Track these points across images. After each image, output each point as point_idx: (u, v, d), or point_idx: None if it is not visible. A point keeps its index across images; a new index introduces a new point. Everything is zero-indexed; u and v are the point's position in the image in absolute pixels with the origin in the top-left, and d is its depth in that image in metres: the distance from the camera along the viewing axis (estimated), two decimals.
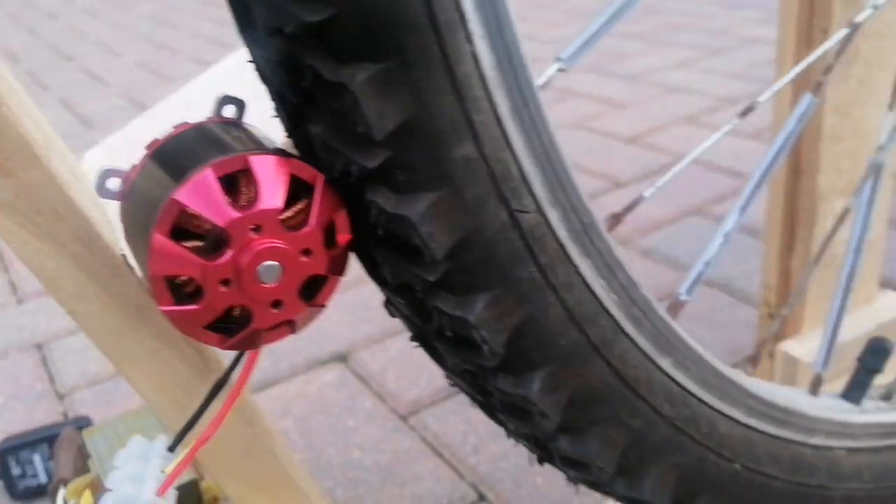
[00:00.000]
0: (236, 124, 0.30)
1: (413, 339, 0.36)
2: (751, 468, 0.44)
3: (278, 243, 0.27)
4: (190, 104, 0.45)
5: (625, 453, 0.38)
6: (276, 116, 0.30)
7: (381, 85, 0.26)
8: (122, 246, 0.35)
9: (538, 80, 0.32)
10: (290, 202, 0.27)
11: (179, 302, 0.27)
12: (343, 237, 0.29)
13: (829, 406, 0.51)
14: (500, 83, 0.29)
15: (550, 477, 0.85)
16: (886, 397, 0.55)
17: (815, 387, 0.52)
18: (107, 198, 0.31)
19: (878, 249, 0.75)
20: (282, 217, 0.27)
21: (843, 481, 0.49)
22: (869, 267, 0.75)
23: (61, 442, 0.85)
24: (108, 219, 0.36)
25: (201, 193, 0.26)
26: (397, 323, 0.44)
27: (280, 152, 0.28)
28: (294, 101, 0.28)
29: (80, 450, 0.84)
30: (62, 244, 0.34)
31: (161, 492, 0.35)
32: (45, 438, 0.88)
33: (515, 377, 0.34)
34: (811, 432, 0.48)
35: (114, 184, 0.30)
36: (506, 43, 0.29)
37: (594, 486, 0.41)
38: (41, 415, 1.03)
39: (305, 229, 0.27)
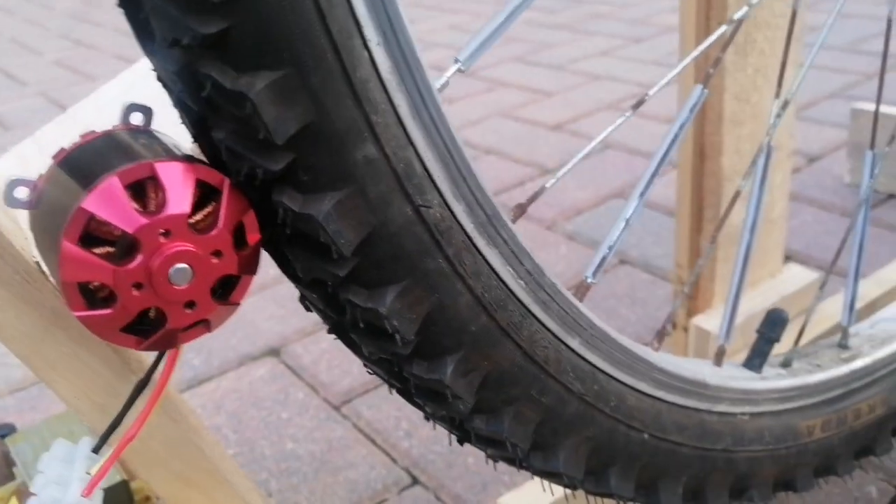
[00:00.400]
0: (144, 131, 0.31)
1: (330, 331, 0.37)
2: (659, 437, 0.47)
3: (188, 247, 0.28)
4: (102, 110, 0.45)
5: (538, 430, 0.40)
6: (181, 123, 0.31)
7: (279, 92, 0.27)
8: (35, 253, 0.35)
9: (437, 82, 0.34)
10: (198, 206, 0.28)
11: (93, 307, 0.28)
12: (252, 237, 0.30)
13: (732, 375, 0.54)
14: (398, 85, 0.31)
15: (481, 456, 0.87)
16: (785, 364, 0.59)
17: (719, 358, 0.55)
18: (14, 207, 0.31)
19: (781, 226, 0.79)
20: (190, 221, 0.28)
21: (746, 444, 0.52)
22: (772, 242, 0.79)
23: None
24: (20, 226, 0.36)
25: (108, 201, 0.27)
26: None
27: (187, 158, 0.28)
28: (196, 109, 0.28)
29: (6, 457, 0.84)
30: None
31: (87, 493, 0.36)
32: None
33: (429, 363, 0.36)
34: (716, 401, 0.51)
35: (21, 193, 0.31)
36: (401, 47, 0.30)
37: (511, 462, 0.43)
38: None
39: (214, 232, 0.28)
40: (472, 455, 0.88)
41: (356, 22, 0.28)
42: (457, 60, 0.36)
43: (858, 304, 0.76)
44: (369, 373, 0.39)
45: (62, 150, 0.31)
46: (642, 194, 0.46)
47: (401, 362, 0.35)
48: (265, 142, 0.28)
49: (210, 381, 1.03)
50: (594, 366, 0.43)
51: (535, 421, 0.40)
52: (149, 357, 0.38)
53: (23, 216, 0.33)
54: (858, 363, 0.61)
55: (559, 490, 0.64)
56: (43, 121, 0.47)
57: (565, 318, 0.41)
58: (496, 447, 0.41)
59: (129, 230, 0.27)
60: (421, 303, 0.34)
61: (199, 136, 0.30)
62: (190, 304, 0.29)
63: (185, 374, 1.05)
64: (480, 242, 0.36)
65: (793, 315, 0.78)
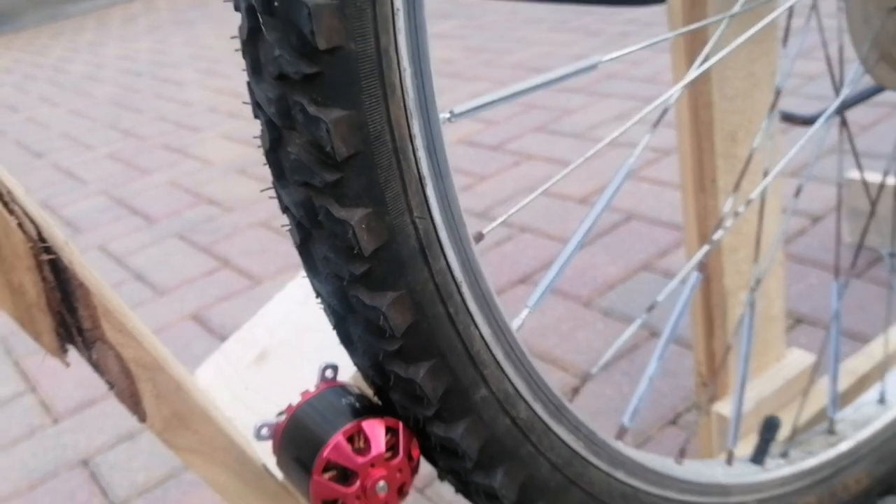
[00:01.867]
0: (342, 387, 0.49)
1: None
2: None
3: (384, 472, 0.45)
4: (272, 329, 0.64)
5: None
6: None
7: (434, 374, 0.45)
8: (265, 461, 0.53)
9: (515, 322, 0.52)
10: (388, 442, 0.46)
11: None
12: (416, 454, 0.47)
13: (740, 472, 0.71)
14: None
15: None
16: (783, 455, 0.75)
17: (729, 459, 0.72)
18: (261, 440, 0.49)
19: (780, 320, 0.96)
20: (386, 455, 0.46)
21: None
22: (773, 335, 0.96)
23: None
24: (248, 440, 0.54)
25: (339, 451, 0.44)
26: None
27: (378, 410, 0.46)
28: (382, 385, 0.47)
29: None
30: (225, 464, 0.52)
31: None
32: None
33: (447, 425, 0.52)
34: (729, 494, 0.68)
35: (266, 432, 0.49)
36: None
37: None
38: None
39: (397, 460, 0.46)
40: None
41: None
42: (450, 111, 0.52)
43: (850, 380, 0.93)
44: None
45: (290, 406, 0.49)
46: (661, 357, 0.64)
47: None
48: (427, 405, 0.46)
49: None
50: (636, 488, 0.60)
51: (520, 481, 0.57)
52: None
53: (265, 446, 0.51)
54: (844, 446, 0.78)
55: None
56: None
57: (612, 457, 0.58)
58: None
59: (353, 468, 0.45)
60: (519, 475, 0.51)
61: (380, 394, 0.48)
62: (387, 502, 0.47)
63: None
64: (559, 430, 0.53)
65: (796, 393, 0.96)
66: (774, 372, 0.97)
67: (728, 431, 0.93)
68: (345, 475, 0.45)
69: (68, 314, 0.46)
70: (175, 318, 1.73)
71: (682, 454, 0.67)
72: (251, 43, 0.41)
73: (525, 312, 0.53)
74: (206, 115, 3.25)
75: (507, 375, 0.49)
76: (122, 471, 1.30)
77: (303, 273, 0.68)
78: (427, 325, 0.44)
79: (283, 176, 0.43)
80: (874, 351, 1.03)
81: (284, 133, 0.42)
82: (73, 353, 0.48)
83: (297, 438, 0.47)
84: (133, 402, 0.48)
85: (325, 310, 0.47)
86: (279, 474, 0.53)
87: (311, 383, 0.51)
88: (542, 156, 2.21)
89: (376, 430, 0.46)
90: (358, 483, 0.45)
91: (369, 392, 0.49)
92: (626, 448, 0.60)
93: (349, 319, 0.45)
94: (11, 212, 0.44)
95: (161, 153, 2.87)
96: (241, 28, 0.42)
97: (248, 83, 0.43)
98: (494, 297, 0.48)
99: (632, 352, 1.33)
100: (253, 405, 0.58)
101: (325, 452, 0.45)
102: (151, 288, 1.89)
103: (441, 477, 0.53)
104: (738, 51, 0.80)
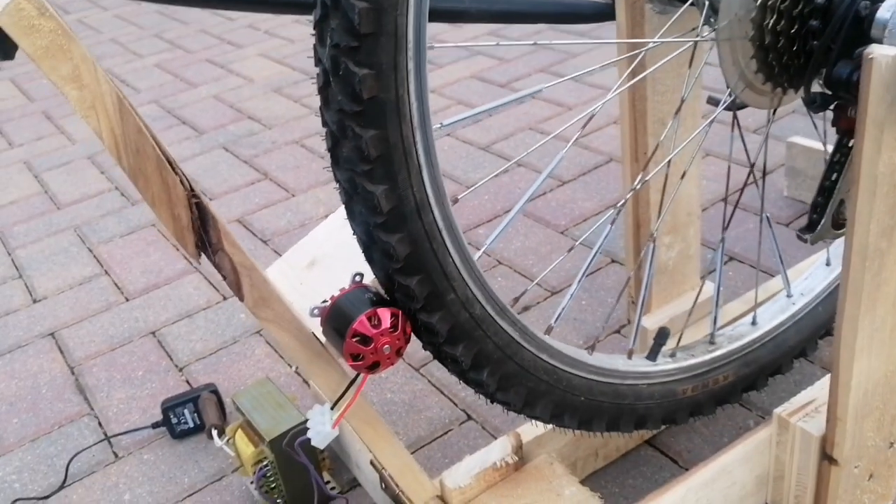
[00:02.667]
0: (365, 287, 0.80)
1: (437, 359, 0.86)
2: (591, 399, 0.95)
3: (389, 339, 0.76)
4: (322, 242, 0.94)
5: (527, 396, 0.89)
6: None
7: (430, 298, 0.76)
8: (315, 332, 0.85)
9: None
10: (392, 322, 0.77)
11: (356, 362, 0.77)
12: (409, 331, 0.78)
13: (636, 364, 1.02)
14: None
15: None
16: (671, 356, 1.06)
17: (630, 355, 1.03)
18: (313, 317, 0.80)
19: (694, 261, 1.26)
20: (390, 330, 0.76)
21: (643, 400, 1.01)
22: (690, 269, 1.27)
23: (204, 401, 1.37)
24: (302, 317, 0.85)
25: (362, 326, 0.75)
26: None
27: (386, 303, 0.77)
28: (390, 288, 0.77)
29: (217, 405, 1.36)
30: (289, 331, 0.84)
31: (334, 426, 0.86)
32: (191, 399, 1.39)
33: (472, 371, 0.84)
34: (625, 377, 0.99)
35: (316, 312, 0.80)
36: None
37: (504, 406, 0.92)
38: (171, 382, 1.54)
39: (398, 332, 0.77)
40: None
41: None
42: (441, 124, 0.84)
43: (743, 307, 1.23)
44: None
45: (332, 296, 0.80)
46: (584, 271, 0.94)
47: (464, 371, 0.84)
48: (416, 301, 0.77)
49: None
50: (555, 367, 0.91)
51: (524, 395, 0.89)
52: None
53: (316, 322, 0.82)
54: (719, 352, 1.08)
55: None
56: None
57: (539, 344, 0.89)
58: (506, 405, 0.89)
59: (370, 336, 0.76)
60: (472, 349, 0.82)
61: (388, 291, 0.79)
62: (389, 358, 0.78)
63: None
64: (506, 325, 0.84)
65: (704, 315, 1.26)
66: (688, 297, 1.28)
67: (648, 336, 1.24)
68: (364, 340, 0.76)
69: (204, 234, 0.77)
70: (224, 218, 2.04)
71: (592, 347, 0.98)
72: None
73: (480, 252, 0.84)
74: (246, 31, 3.50)
75: (468, 286, 0.80)
76: (184, 341, 1.64)
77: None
78: (419, 254, 0.75)
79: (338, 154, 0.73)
80: (769, 286, 1.33)
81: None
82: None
83: (336, 317, 0.78)
84: (237, 288, 0.79)
85: (358, 241, 0.77)
86: (322, 339, 0.84)
87: (345, 284, 0.82)
88: (545, 97, 2.47)
89: (385, 314, 0.77)
90: (373, 345, 0.76)
91: (381, 291, 0.80)
92: (551, 340, 0.91)
93: (373, 248, 0.75)
94: (176, 173, 0.74)
95: (205, 67, 3.14)
96: None
97: None
98: (462, 239, 0.78)
99: (593, 274, 1.63)
100: (306, 295, 0.89)
101: (354, 325, 0.76)
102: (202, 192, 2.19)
103: (424, 347, 0.84)
104: (668, 61, 1.08)
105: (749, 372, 1.11)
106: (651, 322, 1.25)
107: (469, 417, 1.36)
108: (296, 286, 0.91)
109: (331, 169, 0.76)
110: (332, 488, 1.25)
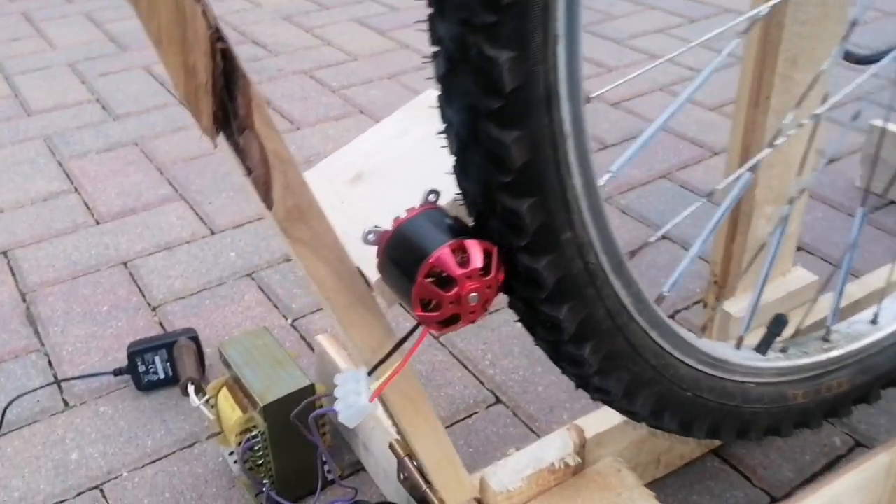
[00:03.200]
0: (442, 211, 0.57)
1: (519, 320, 0.63)
2: (697, 395, 0.73)
3: (478, 284, 0.53)
4: (364, 153, 0.71)
5: (628, 386, 0.67)
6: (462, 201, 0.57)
7: (534, 209, 0.53)
8: (361, 266, 0.62)
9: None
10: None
11: (426, 311, 0.54)
12: (501, 278, 0.55)
13: (746, 356, 0.80)
14: (583, 196, 0.56)
15: (549, 387, 1.15)
16: (783, 350, 0.85)
17: (739, 343, 0.81)
18: (369, 244, 0.57)
19: (794, 238, 1.04)
20: (481, 272, 0.53)
21: (751, 403, 0.79)
22: (787, 250, 1.05)
23: (180, 349, 1.13)
24: (349, 245, 0.62)
25: (444, 259, 0.52)
26: None
27: (475, 234, 0.54)
28: (485, 213, 0.54)
29: (196, 356, 1.12)
30: (328, 262, 0.60)
31: (371, 400, 0.63)
32: (164, 345, 1.15)
33: (577, 344, 0.62)
34: (734, 371, 0.77)
35: (372, 237, 0.57)
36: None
37: (610, 404, 0.69)
38: (141, 322, 1.29)
39: (489, 277, 0.54)
40: (542, 385, 1.15)
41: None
42: (609, 171, 0.61)
43: (844, 303, 1.01)
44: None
45: (397, 218, 0.57)
46: (705, 240, 0.72)
47: (560, 343, 0.62)
48: (522, 235, 0.54)
49: None
50: (664, 349, 0.69)
51: (626, 380, 0.67)
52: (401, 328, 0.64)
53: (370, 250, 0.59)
54: (835, 353, 0.87)
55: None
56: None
57: (651, 318, 0.67)
58: (603, 394, 0.67)
59: (454, 275, 0.53)
60: (580, 312, 0.60)
61: (479, 219, 0.55)
62: (472, 312, 0.55)
63: (315, 300, 1.33)
64: (614, 279, 0.61)
65: (796, 306, 1.04)
66: (779, 283, 1.06)
67: (737, 324, 1.02)
68: (444, 282, 0.53)
69: (228, 99, 0.53)
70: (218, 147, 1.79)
71: (703, 329, 0.76)
72: None
73: (608, 176, 0.61)
74: None
75: (587, 225, 0.57)
76: (161, 276, 1.39)
77: (397, 111, 0.75)
78: (538, 165, 0.51)
79: (443, 10, 0.49)
80: (870, 281, 1.11)
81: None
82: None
83: (402, 246, 0.55)
84: (265, 189, 0.55)
85: (449, 138, 0.54)
86: (372, 276, 0.61)
87: (402, 206, 0.59)
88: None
89: (476, 249, 0.53)
90: (455, 290, 0.53)
91: (464, 220, 0.57)
92: (661, 313, 0.68)
93: (472, 149, 0.52)
94: (198, 0, 0.50)
95: None
96: None
97: None
98: (591, 155, 0.55)
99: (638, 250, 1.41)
100: (350, 215, 0.65)
101: (432, 259, 0.52)
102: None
103: (511, 305, 0.61)
104: None
105: (865, 381, 0.90)
106: (735, 308, 1.03)
107: (498, 400, 1.14)
108: (335, 204, 0.68)
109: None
110: (329, 471, 1.02)
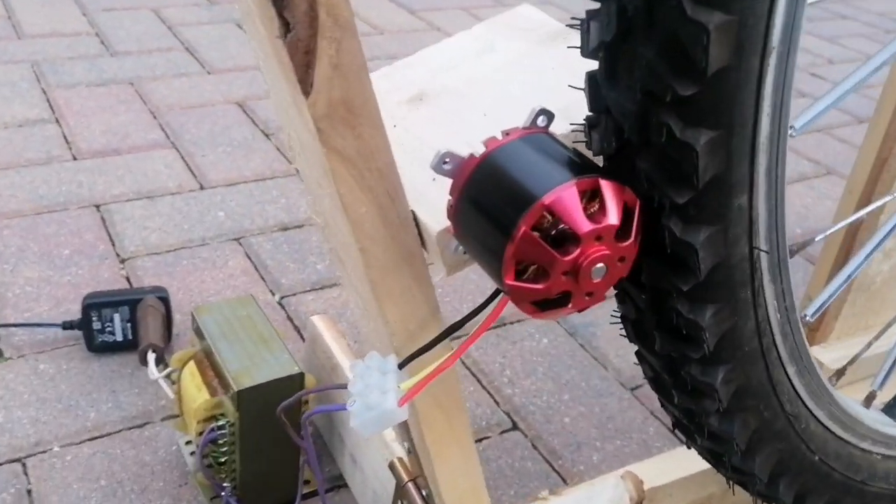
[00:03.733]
0: (555, 138, 0.38)
1: (622, 320, 0.44)
2: (823, 460, 0.55)
3: (608, 251, 0.35)
4: (430, 69, 0.52)
5: (753, 435, 0.48)
6: (587, 136, 0.38)
7: (713, 147, 0.34)
8: (413, 206, 0.42)
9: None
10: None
11: (521, 279, 0.35)
12: (636, 250, 0.37)
13: (876, 418, 0.62)
14: (767, 149, 0.37)
15: (577, 419, 0.96)
16: None
17: (869, 401, 0.62)
18: (441, 174, 0.38)
19: None
20: (618, 233, 0.35)
21: (877, 480, 0.60)
22: (893, 296, 0.86)
23: (145, 309, 0.93)
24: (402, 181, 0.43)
25: (566, 203, 0.33)
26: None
27: (610, 176, 0.35)
28: (631, 139, 0.35)
29: (164, 320, 0.93)
30: (375, 196, 0.41)
31: (402, 403, 0.44)
32: (127, 301, 0.95)
33: (705, 368, 0.43)
34: (863, 438, 0.59)
35: (449, 165, 0.38)
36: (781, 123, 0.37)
37: (717, 457, 0.51)
38: (105, 274, 1.09)
39: (626, 243, 0.35)
40: (569, 415, 0.96)
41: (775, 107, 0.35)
42: (791, 126, 0.42)
43: None
44: (636, 361, 0.47)
45: (493, 139, 0.38)
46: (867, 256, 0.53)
47: (684, 362, 0.43)
48: (683, 181, 0.35)
49: (332, 288, 1.12)
50: (797, 391, 0.50)
51: (753, 428, 0.48)
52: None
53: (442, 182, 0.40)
54: None
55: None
56: None
57: (793, 348, 0.48)
58: (717, 442, 0.48)
59: (579, 231, 0.34)
60: (725, 321, 0.41)
61: (618, 157, 0.37)
62: (590, 294, 0.36)
63: (310, 276, 1.13)
64: (766, 279, 0.43)
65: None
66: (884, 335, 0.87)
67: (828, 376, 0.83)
68: (557, 240, 0.35)
69: None
70: (220, 99, 1.60)
71: (839, 374, 0.57)
72: None
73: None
74: None
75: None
76: (136, 227, 1.19)
77: (478, 26, 0.56)
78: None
79: (616, 74, 0.32)
80: None
81: (637, 27, 0.31)
82: None
83: (497, 180, 0.36)
84: (304, 63, 0.36)
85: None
86: (433, 225, 0.42)
87: (478, 137, 0.40)
88: None
89: (614, 197, 0.35)
90: (576, 252, 0.34)
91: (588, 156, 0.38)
92: (805, 339, 0.50)
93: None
94: None
95: None
96: None
97: None
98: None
99: None
100: (403, 143, 0.46)
101: (549, 199, 0.33)
102: (200, 63, 1.75)
103: (620, 297, 0.42)
104: None
105: None
106: (828, 356, 0.84)
107: (515, 426, 0.94)
108: (389, 126, 0.48)
109: None
110: (307, 481, 0.83)
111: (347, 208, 0.40)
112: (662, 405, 0.49)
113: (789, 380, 0.49)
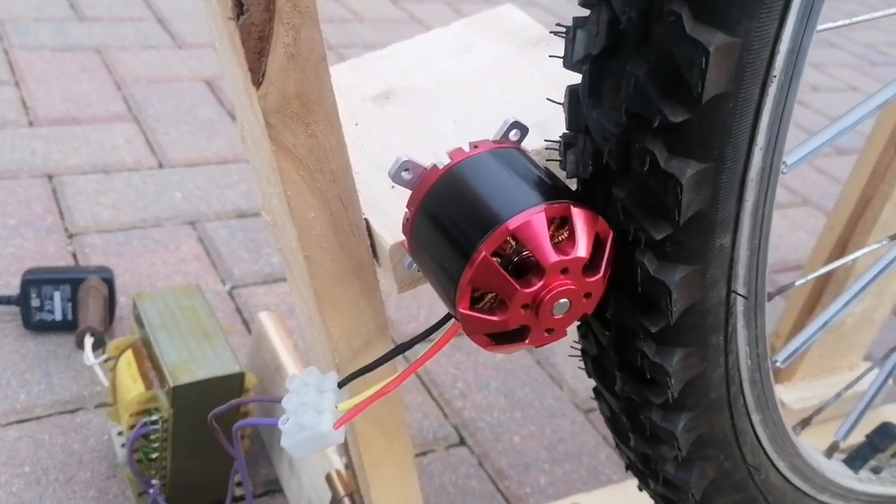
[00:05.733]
0: (526, 155, 0.34)
1: (583, 354, 0.41)
2: None
3: (573, 286, 0.31)
4: (400, 67, 0.48)
5: (710, 485, 0.45)
6: (562, 155, 0.35)
7: (699, 180, 0.31)
8: (367, 214, 0.39)
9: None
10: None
11: (476, 309, 0.32)
12: (601, 290, 0.34)
13: (837, 470, 0.59)
14: (757, 185, 0.34)
15: (527, 438, 0.93)
16: (876, 471, 0.64)
17: (831, 451, 0.60)
18: (399, 184, 0.34)
19: (875, 327, 0.84)
20: (585, 267, 0.32)
21: None
22: (860, 339, 0.84)
23: (88, 289, 0.88)
24: (357, 187, 0.39)
25: (533, 230, 0.30)
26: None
27: (583, 203, 0.32)
28: (610, 164, 0.32)
29: (106, 303, 0.88)
30: (326, 201, 0.38)
31: (338, 426, 0.40)
32: (69, 280, 0.90)
33: (666, 413, 0.40)
34: (822, 490, 0.56)
35: (409, 175, 0.34)
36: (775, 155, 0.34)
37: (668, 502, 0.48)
38: (51, 249, 1.04)
39: (595, 278, 0.32)
40: (520, 434, 0.93)
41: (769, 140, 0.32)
42: (784, 163, 0.39)
43: None
44: (593, 397, 0.43)
45: (460, 150, 0.34)
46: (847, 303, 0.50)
47: (644, 406, 0.40)
48: (662, 214, 0.32)
49: (285, 283, 1.08)
50: (760, 441, 0.48)
51: (711, 478, 0.45)
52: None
53: (399, 193, 0.36)
54: None
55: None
56: None
57: (760, 395, 0.45)
58: (672, 489, 0.45)
59: (544, 262, 0.30)
60: (693, 367, 0.38)
61: (593, 182, 0.33)
62: (550, 331, 0.33)
63: (263, 269, 1.09)
64: (740, 325, 0.40)
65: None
66: (843, 378, 0.86)
67: (792, 418, 0.81)
68: (518, 269, 0.31)
69: None
70: (188, 75, 1.55)
71: (803, 424, 0.55)
72: None
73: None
74: None
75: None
76: (88, 201, 1.14)
77: (457, 23, 0.53)
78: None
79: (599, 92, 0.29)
80: None
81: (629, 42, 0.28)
82: None
83: (459, 195, 0.33)
84: (257, 49, 0.32)
85: None
86: (386, 237, 0.38)
87: (444, 146, 0.37)
88: None
89: (585, 225, 0.31)
90: (540, 284, 0.31)
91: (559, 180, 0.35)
92: (774, 387, 0.47)
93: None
94: None
95: None
96: None
97: None
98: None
99: None
100: (363, 145, 0.43)
101: (514, 224, 0.30)
102: (171, 36, 1.69)
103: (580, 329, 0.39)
104: None
105: None
106: (790, 396, 0.82)
107: (462, 441, 0.91)
108: (350, 124, 0.45)
109: None
110: (238, 484, 0.79)
111: (294, 211, 0.37)
112: (617, 445, 0.46)
113: (753, 429, 0.46)
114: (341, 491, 0.64)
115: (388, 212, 0.39)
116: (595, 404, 0.98)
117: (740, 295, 0.36)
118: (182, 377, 0.68)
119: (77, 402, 0.85)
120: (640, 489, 0.50)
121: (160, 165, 1.26)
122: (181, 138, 1.34)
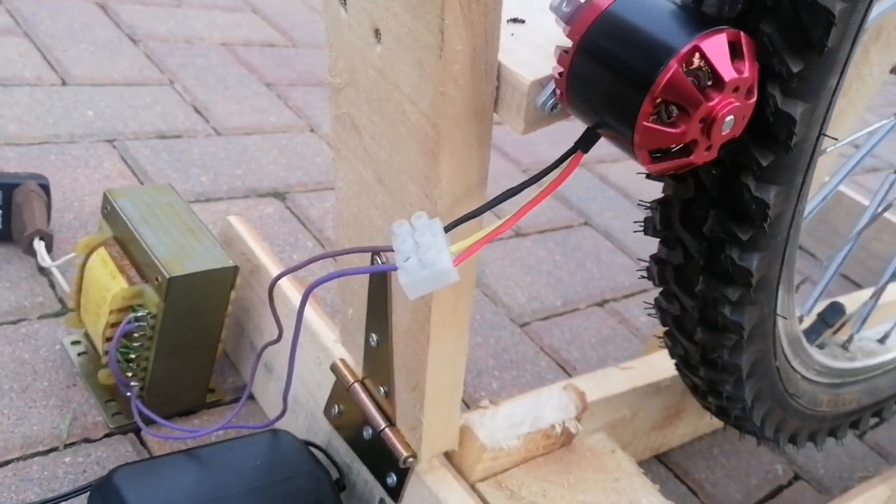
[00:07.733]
0: None
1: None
2: (803, 405, 0.59)
3: (739, 105, 0.35)
4: None
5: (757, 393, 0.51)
6: None
7: (845, 15, 0.36)
8: (501, 57, 0.41)
9: None
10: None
11: (658, 122, 0.35)
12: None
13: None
14: None
15: (475, 348, 0.96)
16: (821, 346, 0.72)
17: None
18: (558, 15, 0.37)
19: None
20: (748, 87, 0.35)
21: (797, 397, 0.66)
22: None
23: (24, 194, 0.84)
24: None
25: (718, 48, 0.34)
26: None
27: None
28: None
29: (45, 208, 0.84)
30: (474, 34, 0.39)
31: (457, 263, 0.42)
32: (1, 186, 0.84)
33: (744, 254, 0.45)
34: (796, 356, 0.64)
35: (567, 8, 0.37)
36: None
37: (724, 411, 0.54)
38: None
39: (752, 100, 0.36)
40: (498, 379, 0.96)
41: None
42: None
43: None
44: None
45: None
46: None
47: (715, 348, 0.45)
48: (807, 49, 0.36)
49: (219, 202, 1.05)
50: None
51: (755, 322, 0.51)
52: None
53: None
54: (852, 364, 0.76)
55: None
56: None
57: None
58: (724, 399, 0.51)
59: (727, 77, 0.34)
60: (780, 205, 0.43)
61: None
62: (709, 148, 0.36)
63: (194, 188, 1.06)
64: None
65: None
66: None
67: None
68: (700, 84, 0.34)
69: None
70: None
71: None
72: None
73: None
74: None
75: None
76: None
77: None
78: None
79: None
80: None
81: None
82: None
83: (635, 21, 0.35)
84: None
85: None
86: (528, 76, 0.40)
87: None
88: None
89: (751, 53, 0.35)
90: (717, 99, 0.34)
91: None
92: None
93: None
94: None
95: None
96: None
97: None
98: None
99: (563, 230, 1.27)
100: None
101: (702, 41, 0.33)
102: None
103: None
104: None
105: (873, 402, 0.80)
106: None
107: None
108: None
109: None
110: (211, 390, 0.78)
111: (446, 43, 0.38)
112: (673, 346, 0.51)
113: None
114: (350, 378, 0.65)
115: (516, 55, 0.41)
116: (529, 319, 1.04)
117: (830, 137, 0.41)
118: (176, 269, 0.66)
119: (18, 313, 0.81)
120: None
121: (63, 82, 1.18)
122: (81, 56, 1.26)
